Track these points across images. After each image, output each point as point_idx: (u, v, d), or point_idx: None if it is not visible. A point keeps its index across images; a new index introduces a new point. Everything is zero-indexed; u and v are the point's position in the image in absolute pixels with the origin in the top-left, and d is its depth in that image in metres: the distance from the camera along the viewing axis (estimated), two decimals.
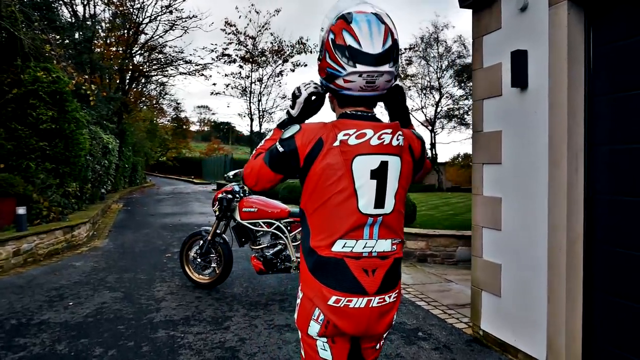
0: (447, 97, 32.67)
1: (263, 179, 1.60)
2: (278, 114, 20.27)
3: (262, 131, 20.09)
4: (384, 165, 1.50)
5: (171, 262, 6.30)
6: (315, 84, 1.65)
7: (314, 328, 1.53)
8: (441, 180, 32.61)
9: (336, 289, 1.49)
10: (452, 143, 70.37)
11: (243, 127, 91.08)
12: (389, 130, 1.51)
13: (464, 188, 30.81)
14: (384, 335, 1.66)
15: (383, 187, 1.50)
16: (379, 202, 1.50)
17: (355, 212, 1.48)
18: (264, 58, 18.54)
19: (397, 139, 1.52)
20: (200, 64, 20.09)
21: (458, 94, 34.70)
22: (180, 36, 23.97)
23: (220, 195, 4.80)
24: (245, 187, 5.03)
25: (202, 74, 20.34)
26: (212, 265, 4.98)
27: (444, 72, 32.12)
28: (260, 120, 19.58)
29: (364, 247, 1.50)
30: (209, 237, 4.92)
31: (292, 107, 1.67)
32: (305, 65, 19.13)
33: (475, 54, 3.75)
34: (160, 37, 19.54)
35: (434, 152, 32.41)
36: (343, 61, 1.44)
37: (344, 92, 1.51)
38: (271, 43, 18.88)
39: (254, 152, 1.70)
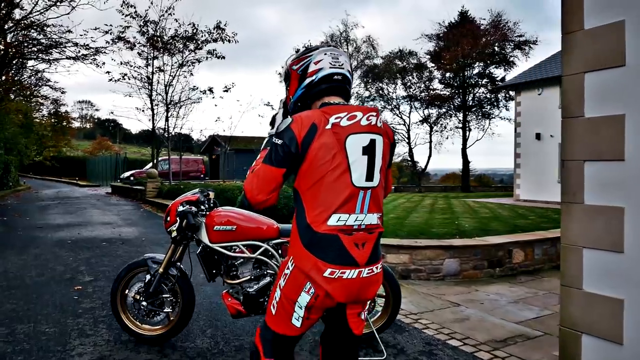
0: (355, 97, 32.68)
1: (268, 181, 1.71)
2: (189, 108, 18.05)
3: (168, 127, 17.77)
4: (372, 142, 1.74)
5: (86, 299, 4.52)
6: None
7: (303, 298, 1.71)
8: None
9: (332, 263, 1.66)
10: None
11: (142, 123, 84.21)
12: (374, 114, 1.77)
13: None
14: (368, 304, 2.00)
15: (372, 162, 1.73)
16: (369, 175, 1.73)
17: (349, 185, 1.68)
18: (175, 44, 16.25)
19: (380, 122, 1.78)
20: (92, 48, 17.21)
21: (365, 95, 35.10)
22: (68, 13, 20.27)
23: (180, 208, 3.27)
24: (211, 195, 3.56)
25: (95, 60, 17.44)
26: (165, 309, 3.42)
27: (353, 73, 31.96)
28: (167, 115, 17.27)
29: (355, 220, 1.70)
30: (160, 270, 3.37)
31: (272, 126, 1.88)
32: (223, 57, 17.12)
33: (569, 12, 2.75)
34: (41, 13, 16.37)
35: None
36: (308, 55, 1.88)
37: (318, 74, 1.83)
38: (181, 28, 16.58)
39: (248, 172, 1.80)
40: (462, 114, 33.08)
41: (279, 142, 1.67)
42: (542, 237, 6.39)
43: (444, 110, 34.62)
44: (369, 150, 1.71)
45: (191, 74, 17.37)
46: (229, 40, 16.26)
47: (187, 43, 16.28)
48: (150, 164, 21.13)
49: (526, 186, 22.91)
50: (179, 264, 3.45)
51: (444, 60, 30.77)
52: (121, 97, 63.54)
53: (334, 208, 1.65)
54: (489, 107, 33.16)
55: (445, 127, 35.48)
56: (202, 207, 3.37)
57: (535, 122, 22.37)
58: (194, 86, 18.19)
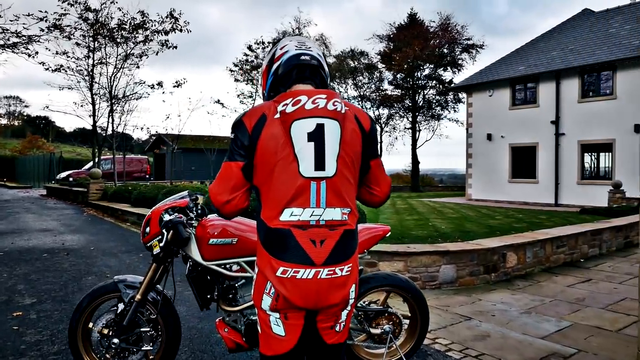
0: None
1: (228, 177, 1.60)
2: (134, 104, 16.72)
3: (113, 123, 16.37)
4: (320, 127, 1.56)
5: (30, 330, 3.64)
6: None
7: (266, 301, 1.57)
8: None
9: (283, 260, 1.53)
10: None
11: (80, 120, 79.17)
12: (323, 96, 1.60)
13: None
14: (344, 315, 1.65)
15: (322, 149, 1.56)
16: (319, 164, 1.55)
17: (297, 176, 1.54)
18: (122, 32, 14.86)
19: (334, 104, 1.59)
20: (25, 36, 15.50)
21: None
22: None
23: (166, 217, 2.54)
24: (200, 200, 2.86)
25: (27, 48, 15.71)
26: (143, 347, 2.67)
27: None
28: (112, 112, 15.86)
29: (311, 215, 1.54)
30: (138, 296, 2.62)
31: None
32: (175, 47, 15.87)
33: None
34: None
35: None
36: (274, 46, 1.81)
37: (284, 57, 1.70)
38: (127, 16, 15.23)
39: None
40: (412, 115, 33.47)
41: (232, 135, 1.61)
42: (533, 240, 6.11)
43: (394, 111, 34.92)
44: (315, 136, 1.56)
45: (137, 66, 16.08)
46: (181, 30, 15.12)
47: (136, 33, 14.97)
48: (91, 164, 19.53)
49: (478, 186, 23.33)
50: (159, 286, 2.72)
51: (395, 62, 30.95)
52: (57, 92, 59.06)
53: (285, 202, 1.54)
54: (438, 108, 33.78)
55: (395, 128, 35.83)
56: (191, 214, 2.68)
57: (486, 123, 22.82)
58: (141, 80, 16.88)
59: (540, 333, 3.80)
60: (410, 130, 33.98)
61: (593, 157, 19.55)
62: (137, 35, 15.07)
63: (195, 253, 2.56)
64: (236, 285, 2.65)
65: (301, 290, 1.52)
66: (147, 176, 27.11)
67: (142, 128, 31.95)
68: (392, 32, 32.81)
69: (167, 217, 2.52)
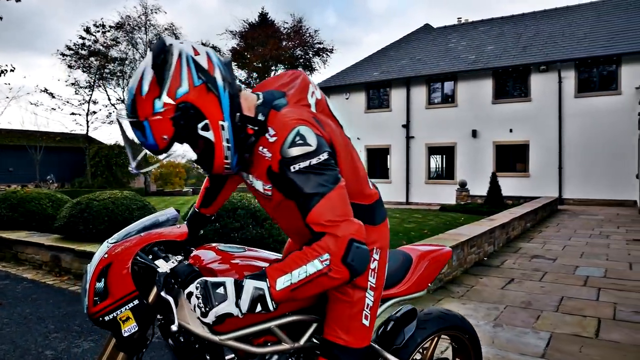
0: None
1: (346, 198, 1.28)
2: None
3: None
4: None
5: None
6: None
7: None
8: (148, 184, 29.22)
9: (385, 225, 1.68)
10: None
11: None
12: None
13: (167, 191, 28.35)
14: None
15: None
16: None
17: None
18: None
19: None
20: None
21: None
22: None
23: (164, 267, 1.34)
24: (184, 230, 1.71)
25: None
26: None
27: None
28: None
29: None
30: None
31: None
32: None
33: None
34: None
35: None
36: None
37: None
38: None
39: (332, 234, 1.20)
40: None
41: (324, 156, 1.25)
42: (457, 242, 5.93)
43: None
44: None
45: None
46: None
47: None
48: None
49: None
50: None
51: (249, 60, 30.17)
52: None
53: (366, 175, 1.65)
54: None
55: None
56: (165, 254, 1.53)
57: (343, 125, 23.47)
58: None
59: (535, 351, 3.41)
60: None
61: (438, 159, 21.47)
62: None
63: (197, 324, 1.43)
64: None
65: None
66: None
67: None
68: (246, 29, 31.92)
69: (165, 267, 1.35)
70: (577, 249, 7.72)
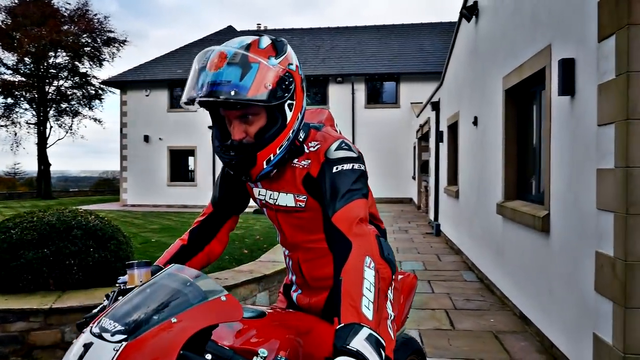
0: None
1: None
2: None
3: None
4: None
5: None
6: None
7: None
8: None
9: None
10: None
11: None
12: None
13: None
14: None
15: None
16: None
17: None
18: None
19: None
20: None
21: None
22: None
23: None
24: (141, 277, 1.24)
25: None
26: None
27: None
28: None
29: None
30: None
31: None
32: None
33: None
34: None
35: None
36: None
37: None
38: None
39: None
40: (40, 109, 28.09)
41: (363, 167, 1.35)
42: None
43: (14, 101, 28.43)
44: None
45: None
46: None
47: None
48: None
49: (134, 190, 21.87)
50: None
51: (21, 42, 25.21)
52: None
53: None
54: (75, 104, 29.70)
55: (14, 123, 29.22)
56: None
57: (143, 123, 21.62)
58: None
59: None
60: (35, 127, 28.47)
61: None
62: None
63: None
64: None
65: None
66: None
67: None
68: (14, 2, 26.56)
69: None
70: (392, 245, 8.66)
